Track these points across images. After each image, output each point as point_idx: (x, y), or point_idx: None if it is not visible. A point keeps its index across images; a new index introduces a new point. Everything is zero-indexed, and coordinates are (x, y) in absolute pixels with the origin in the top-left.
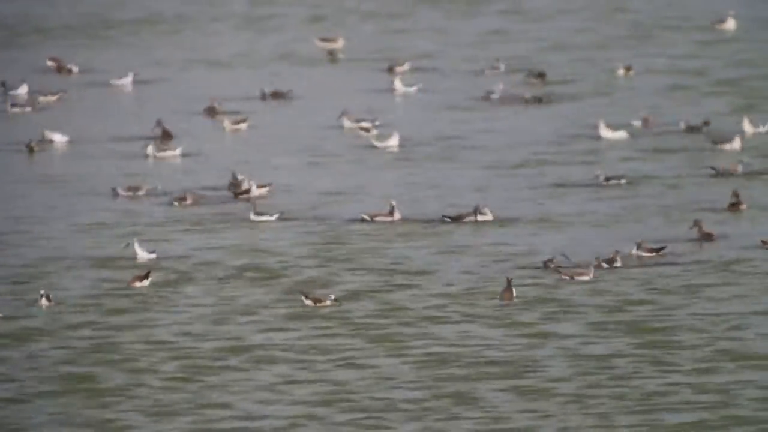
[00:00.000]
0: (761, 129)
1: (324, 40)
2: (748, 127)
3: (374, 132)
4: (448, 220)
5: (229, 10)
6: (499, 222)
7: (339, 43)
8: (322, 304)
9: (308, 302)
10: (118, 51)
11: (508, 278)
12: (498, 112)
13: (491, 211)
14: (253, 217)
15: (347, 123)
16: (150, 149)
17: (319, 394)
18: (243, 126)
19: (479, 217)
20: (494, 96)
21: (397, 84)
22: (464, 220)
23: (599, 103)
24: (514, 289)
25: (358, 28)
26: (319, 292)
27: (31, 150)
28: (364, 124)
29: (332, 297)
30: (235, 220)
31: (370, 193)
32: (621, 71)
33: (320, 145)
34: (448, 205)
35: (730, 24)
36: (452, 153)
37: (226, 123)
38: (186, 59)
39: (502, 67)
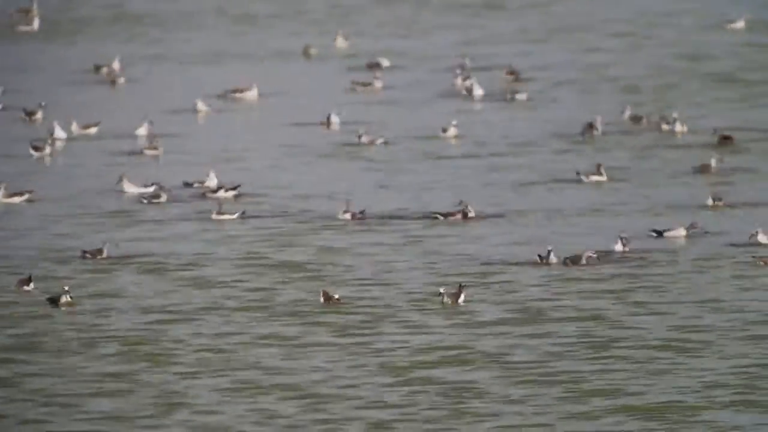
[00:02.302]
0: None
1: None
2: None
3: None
4: (440, 217)
5: (202, 7)
6: (484, 218)
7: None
8: (332, 301)
9: (320, 299)
10: (91, 47)
11: (460, 284)
12: (475, 109)
13: (473, 208)
14: (215, 216)
15: (335, 120)
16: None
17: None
18: (93, 130)
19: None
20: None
21: (377, 82)
22: (455, 217)
23: (579, 99)
24: (463, 294)
25: (326, 25)
26: (331, 289)
27: (36, 149)
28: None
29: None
30: (199, 219)
31: (342, 191)
32: (459, 81)
33: (296, 143)
34: (414, 203)
35: (740, 24)
36: (431, 150)
37: (74, 126)
38: (163, 56)
39: (468, 63)
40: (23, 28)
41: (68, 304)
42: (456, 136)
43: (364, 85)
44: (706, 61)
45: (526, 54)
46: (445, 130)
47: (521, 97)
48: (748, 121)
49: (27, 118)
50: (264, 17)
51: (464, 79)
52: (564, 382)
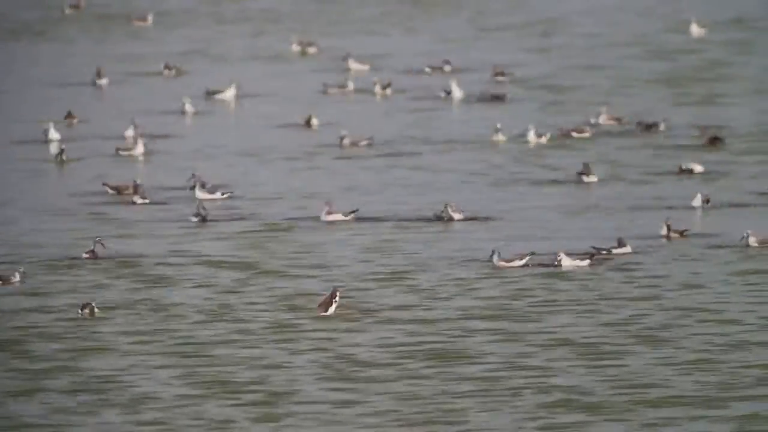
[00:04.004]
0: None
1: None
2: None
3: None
4: (441, 207)
5: (191, 6)
6: (471, 220)
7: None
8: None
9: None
10: (79, 48)
11: (334, 288)
12: (455, 110)
13: (459, 210)
14: (193, 218)
15: (315, 122)
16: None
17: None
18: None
19: (447, 215)
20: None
21: (350, 83)
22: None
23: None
24: (333, 302)
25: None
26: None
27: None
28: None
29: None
30: (177, 220)
31: (323, 193)
32: (378, 89)
33: (276, 145)
34: (401, 204)
35: (695, 29)
36: (411, 151)
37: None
38: (153, 55)
39: (447, 68)
40: (139, 23)
41: (92, 313)
42: (506, 140)
43: (340, 87)
44: (665, 61)
45: (498, 53)
46: (497, 131)
47: (501, 97)
48: (711, 120)
49: (66, 121)
50: (250, 17)
51: (384, 87)
52: (518, 378)
